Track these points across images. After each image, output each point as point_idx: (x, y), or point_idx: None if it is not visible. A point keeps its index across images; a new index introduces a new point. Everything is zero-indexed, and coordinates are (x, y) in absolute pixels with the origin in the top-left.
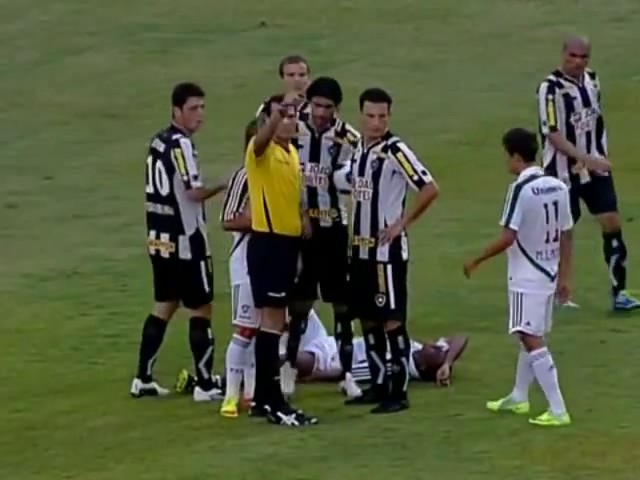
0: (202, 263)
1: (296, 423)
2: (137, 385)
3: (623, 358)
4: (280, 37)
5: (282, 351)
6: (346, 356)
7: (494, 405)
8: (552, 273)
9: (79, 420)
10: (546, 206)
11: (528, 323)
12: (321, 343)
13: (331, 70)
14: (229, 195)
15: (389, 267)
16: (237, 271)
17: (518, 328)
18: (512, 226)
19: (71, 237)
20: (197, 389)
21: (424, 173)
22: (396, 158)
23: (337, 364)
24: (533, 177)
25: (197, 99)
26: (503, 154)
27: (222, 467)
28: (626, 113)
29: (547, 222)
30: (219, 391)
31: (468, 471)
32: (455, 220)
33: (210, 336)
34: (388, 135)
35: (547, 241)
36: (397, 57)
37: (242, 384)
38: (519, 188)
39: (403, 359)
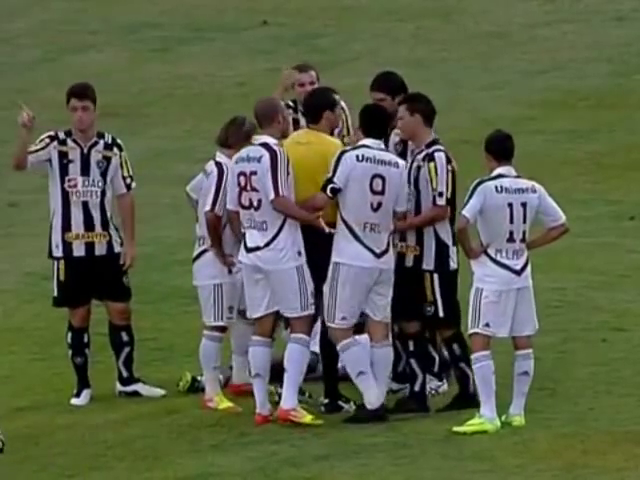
0: (53, 263)
1: (354, 407)
2: (117, 387)
3: (625, 357)
4: (281, 36)
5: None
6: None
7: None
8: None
9: (81, 418)
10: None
11: (487, 324)
12: None
13: (332, 69)
14: (218, 188)
15: (435, 276)
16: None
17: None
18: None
19: None
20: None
21: (440, 195)
22: (428, 166)
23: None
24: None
25: (76, 101)
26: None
27: (223, 466)
28: (628, 112)
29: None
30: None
31: (469, 470)
32: None
33: (68, 340)
34: (432, 143)
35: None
36: (398, 56)
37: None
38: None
39: (462, 364)
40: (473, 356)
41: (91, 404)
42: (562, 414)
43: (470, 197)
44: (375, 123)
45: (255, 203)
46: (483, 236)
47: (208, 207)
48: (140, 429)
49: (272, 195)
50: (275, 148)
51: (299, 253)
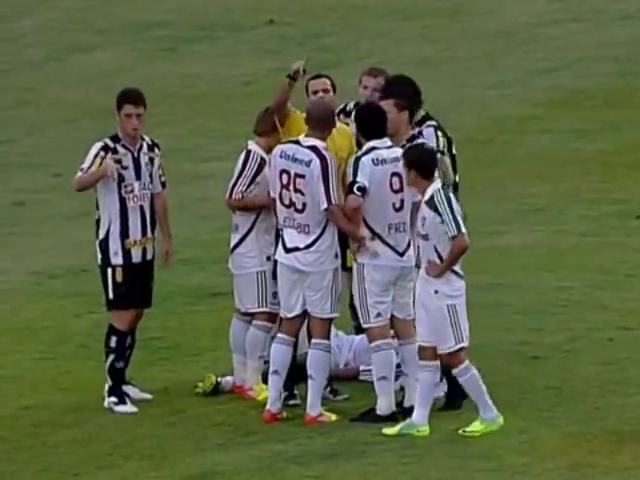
0: (109, 270)
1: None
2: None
3: (631, 356)
4: (288, 35)
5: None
6: None
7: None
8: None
9: (87, 417)
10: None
11: (466, 337)
12: (336, 347)
13: (339, 68)
14: (240, 175)
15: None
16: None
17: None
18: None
19: (79, 234)
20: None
21: None
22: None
23: (350, 365)
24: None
25: (132, 107)
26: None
27: (230, 465)
28: (634, 111)
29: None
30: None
31: (476, 469)
32: None
33: (112, 344)
34: (412, 138)
35: None
36: (405, 54)
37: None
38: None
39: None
40: (456, 371)
41: (98, 402)
42: (568, 413)
43: (452, 213)
44: (376, 124)
45: (299, 206)
46: (445, 250)
47: (227, 195)
48: (147, 428)
49: (325, 204)
50: (325, 154)
51: (336, 255)
